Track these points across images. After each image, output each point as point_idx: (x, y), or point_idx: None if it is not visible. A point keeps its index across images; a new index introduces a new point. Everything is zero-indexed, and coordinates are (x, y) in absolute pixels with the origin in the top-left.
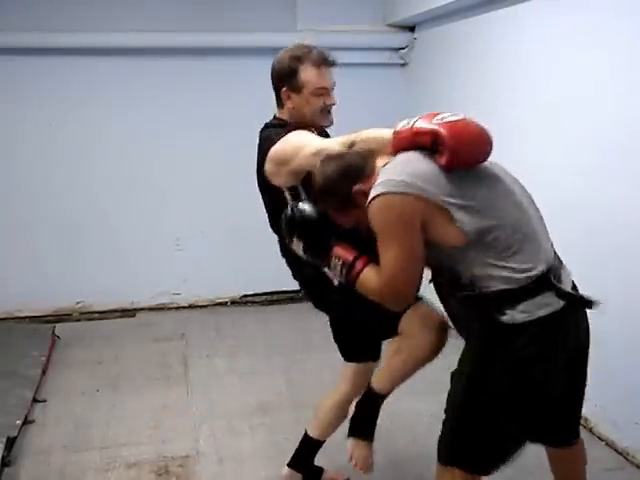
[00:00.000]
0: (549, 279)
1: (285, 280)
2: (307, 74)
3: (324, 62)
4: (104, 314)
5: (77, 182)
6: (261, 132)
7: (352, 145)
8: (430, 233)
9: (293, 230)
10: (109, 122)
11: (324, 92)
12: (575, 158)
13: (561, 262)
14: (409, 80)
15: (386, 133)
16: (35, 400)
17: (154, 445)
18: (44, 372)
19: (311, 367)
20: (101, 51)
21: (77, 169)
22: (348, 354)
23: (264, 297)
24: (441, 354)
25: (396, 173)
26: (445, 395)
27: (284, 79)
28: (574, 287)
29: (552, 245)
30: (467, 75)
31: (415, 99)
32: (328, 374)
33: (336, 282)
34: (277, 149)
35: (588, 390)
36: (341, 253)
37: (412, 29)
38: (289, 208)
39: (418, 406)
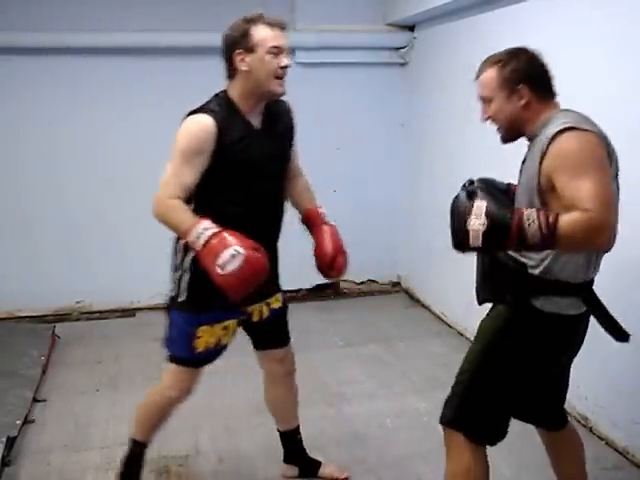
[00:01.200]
0: (590, 286)
1: (285, 280)
2: (260, 33)
3: (277, 24)
4: (104, 314)
5: (77, 182)
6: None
7: (156, 209)
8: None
9: (475, 193)
10: (110, 122)
11: (279, 52)
12: None
13: None
14: (409, 79)
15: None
16: (35, 400)
17: (154, 444)
18: (44, 372)
19: (311, 367)
20: (101, 51)
21: (77, 169)
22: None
23: None
24: (441, 353)
25: (580, 119)
26: (444, 395)
27: (237, 42)
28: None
29: None
30: (467, 74)
31: (415, 98)
32: (328, 373)
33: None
34: (176, 141)
35: (588, 389)
36: (524, 210)
37: (412, 28)
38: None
39: (418, 405)
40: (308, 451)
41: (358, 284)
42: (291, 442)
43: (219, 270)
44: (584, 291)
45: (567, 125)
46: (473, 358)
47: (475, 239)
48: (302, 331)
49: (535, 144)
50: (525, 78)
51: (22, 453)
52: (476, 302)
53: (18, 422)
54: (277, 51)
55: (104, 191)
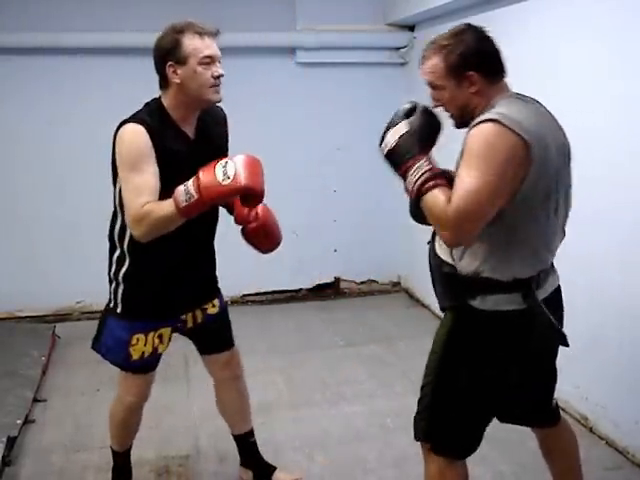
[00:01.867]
0: (528, 283)
1: (285, 279)
2: (191, 43)
3: (207, 32)
4: None
5: (77, 181)
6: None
7: (140, 226)
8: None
9: (408, 115)
10: (109, 121)
11: (211, 61)
12: (576, 158)
13: (553, 269)
14: (409, 79)
15: (169, 210)
16: (35, 400)
17: (154, 444)
18: (44, 372)
19: (311, 366)
20: (101, 50)
21: (77, 168)
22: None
23: (264, 297)
24: None
25: (514, 112)
26: None
27: (168, 53)
28: (556, 292)
29: (556, 247)
30: None
31: (415, 98)
32: (328, 373)
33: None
34: (118, 152)
35: (588, 390)
36: (433, 162)
37: (412, 28)
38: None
39: (413, 404)
40: (308, 451)
41: (358, 284)
42: (245, 445)
43: (227, 181)
44: (520, 288)
45: (488, 117)
46: (431, 369)
47: (383, 149)
48: (302, 331)
49: None
50: (474, 64)
51: (22, 453)
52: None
53: (18, 422)
54: (209, 61)
55: (104, 191)
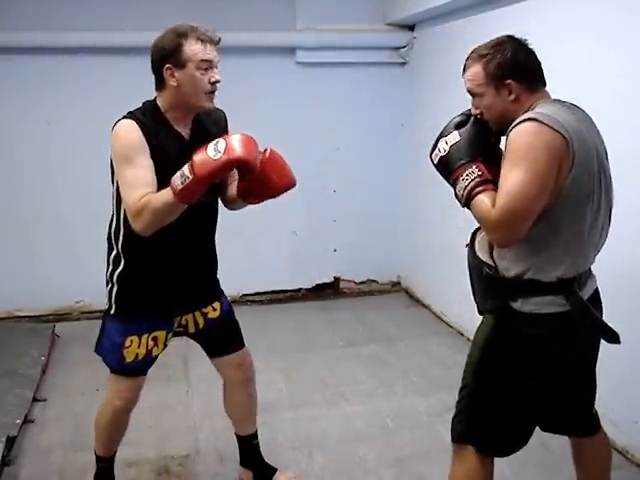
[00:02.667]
0: (571, 284)
1: (285, 279)
2: (192, 48)
3: (209, 39)
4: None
5: (76, 181)
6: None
7: (139, 219)
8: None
9: (463, 125)
10: (109, 121)
11: (209, 66)
12: None
13: (591, 271)
14: (409, 79)
15: (166, 197)
16: (35, 399)
17: (154, 444)
18: (44, 371)
19: (311, 366)
20: (101, 50)
21: (76, 168)
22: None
23: (264, 296)
24: (441, 353)
25: (551, 111)
26: (444, 395)
27: (168, 55)
28: (595, 295)
29: (597, 250)
30: None
31: (415, 98)
32: (328, 373)
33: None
34: (114, 148)
35: None
36: (484, 169)
37: (412, 28)
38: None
39: (418, 405)
40: (308, 450)
41: (358, 284)
42: (248, 447)
43: (219, 155)
44: (563, 290)
45: (527, 117)
46: (469, 372)
47: (435, 157)
48: (302, 331)
49: None
50: (512, 72)
51: (22, 453)
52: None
53: (18, 422)
54: (207, 66)
55: (104, 190)
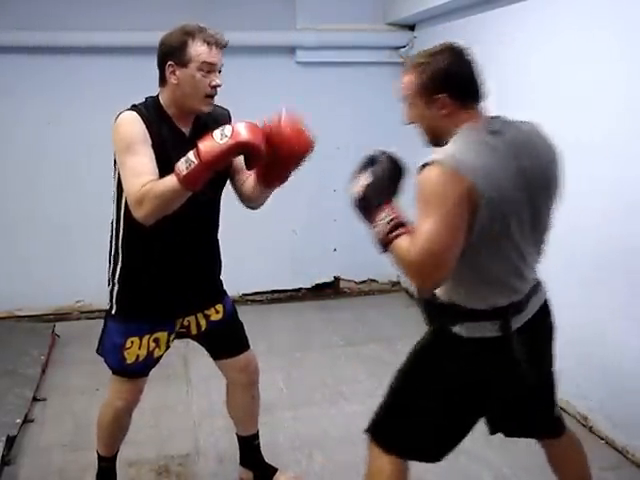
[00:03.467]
0: (504, 312)
1: (284, 279)
2: (196, 49)
3: (215, 42)
4: (104, 313)
5: (77, 180)
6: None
7: (141, 207)
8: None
9: (373, 164)
10: (108, 120)
11: (211, 69)
12: (576, 157)
13: (537, 286)
14: None
15: (171, 183)
16: (35, 399)
17: (154, 444)
18: (44, 371)
19: (311, 366)
20: (101, 50)
21: (77, 167)
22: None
23: (264, 296)
24: None
25: (458, 151)
26: None
27: (172, 52)
28: (542, 310)
29: (537, 269)
30: None
31: None
32: (328, 373)
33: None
34: (115, 138)
35: (588, 389)
36: (397, 210)
37: (412, 28)
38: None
39: None
40: (308, 450)
41: (358, 283)
42: (248, 447)
43: (225, 139)
44: (496, 317)
45: (432, 159)
46: (396, 377)
47: (352, 200)
48: (302, 330)
49: None
50: (445, 86)
51: (22, 452)
52: None
53: (18, 421)
54: (209, 68)
55: (104, 190)
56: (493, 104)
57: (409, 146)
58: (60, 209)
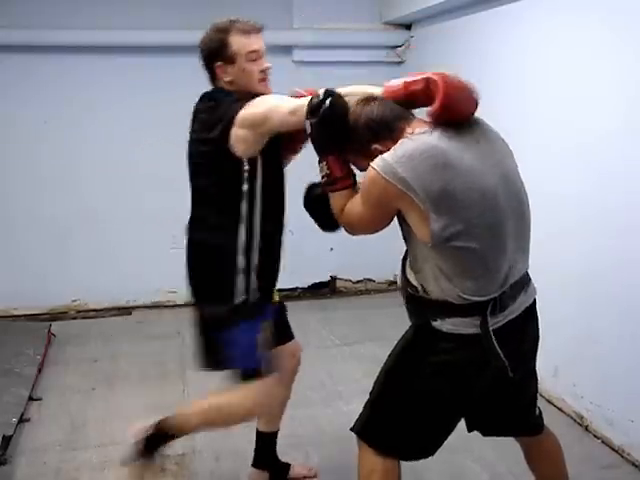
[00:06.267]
0: (485, 308)
1: (282, 278)
2: (237, 42)
3: (251, 29)
4: (100, 312)
5: (73, 180)
6: (210, 103)
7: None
8: (407, 218)
9: (317, 112)
10: (106, 120)
11: (257, 56)
12: (575, 156)
13: (524, 284)
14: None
15: (372, 89)
16: (31, 398)
17: None
18: (40, 370)
19: (307, 365)
20: (99, 49)
21: (73, 167)
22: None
23: None
24: None
25: (398, 158)
26: None
27: (216, 54)
28: (528, 311)
29: (524, 265)
30: (464, 73)
31: None
32: (325, 372)
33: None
34: (248, 112)
35: (584, 388)
36: (333, 165)
37: (409, 27)
38: (324, 94)
39: None
40: (305, 449)
41: (355, 283)
42: (270, 445)
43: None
44: (477, 312)
45: (377, 161)
46: (381, 373)
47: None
48: (299, 330)
49: None
50: (374, 140)
51: (18, 452)
52: None
53: (14, 421)
54: (256, 56)
55: (100, 189)
56: (490, 103)
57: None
58: (56, 209)
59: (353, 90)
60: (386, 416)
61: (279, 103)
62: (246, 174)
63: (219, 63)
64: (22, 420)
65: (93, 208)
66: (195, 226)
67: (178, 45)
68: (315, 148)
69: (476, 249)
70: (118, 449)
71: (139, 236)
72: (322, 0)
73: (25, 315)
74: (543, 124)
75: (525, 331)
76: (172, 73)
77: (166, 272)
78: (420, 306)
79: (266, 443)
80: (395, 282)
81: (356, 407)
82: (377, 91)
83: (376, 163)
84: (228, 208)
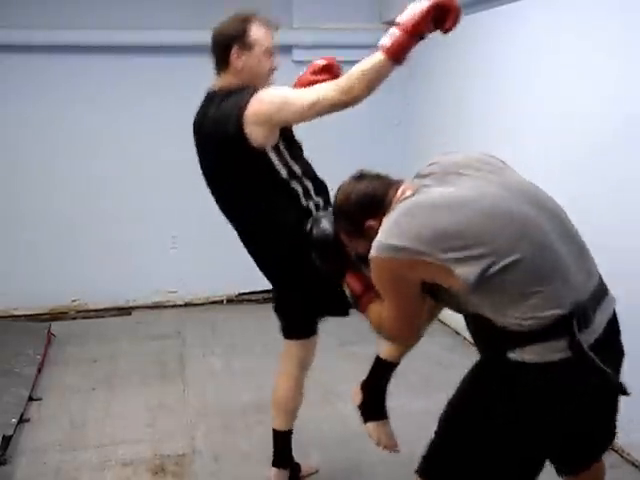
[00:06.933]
0: (569, 323)
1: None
2: (258, 32)
3: (271, 25)
4: (100, 312)
5: (73, 180)
6: (220, 102)
7: (351, 89)
8: (434, 281)
9: (311, 247)
10: (106, 120)
11: (271, 54)
12: (574, 157)
13: (602, 294)
14: (405, 78)
15: (375, 58)
16: (31, 398)
17: (150, 443)
18: (40, 370)
19: None
20: (99, 49)
21: (73, 167)
22: (297, 329)
23: (260, 295)
24: (437, 352)
25: (387, 232)
26: (440, 394)
27: (235, 39)
28: (612, 322)
29: (591, 272)
30: (464, 73)
31: (410, 97)
32: (324, 372)
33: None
34: (261, 107)
35: None
36: (351, 283)
37: None
38: (310, 223)
39: (414, 404)
40: (304, 450)
41: None
42: (289, 443)
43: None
44: (559, 329)
45: (371, 254)
46: (446, 411)
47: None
48: None
49: None
50: (366, 217)
51: (18, 452)
52: None
53: (13, 421)
54: (270, 51)
55: (100, 189)
56: (491, 102)
57: (404, 145)
58: (57, 209)
59: (360, 72)
60: (453, 458)
61: (291, 95)
62: (275, 158)
63: (236, 47)
64: (22, 420)
65: (94, 209)
66: (250, 238)
67: (178, 45)
68: (329, 275)
69: (519, 263)
70: (118, 449)
71: (139, 236)
72: (322, 0)
73: (25, 315)
74: (546, 123)
75: (613, 351)
76: (172, 73)
77: (166, 272)
78: (492, 336)
79: (287, 441)
80: None
81: (355, 407)
82: (385, 41)
83: (371, 253)
84: (274, 191)
